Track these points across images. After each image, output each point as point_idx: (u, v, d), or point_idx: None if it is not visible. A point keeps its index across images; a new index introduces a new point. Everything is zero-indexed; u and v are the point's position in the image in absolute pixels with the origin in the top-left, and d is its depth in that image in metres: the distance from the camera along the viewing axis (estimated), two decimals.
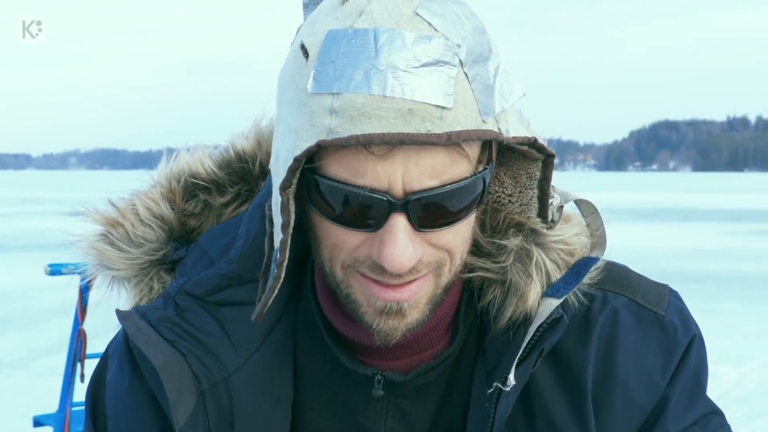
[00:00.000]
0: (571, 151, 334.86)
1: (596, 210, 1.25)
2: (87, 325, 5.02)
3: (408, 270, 1.05)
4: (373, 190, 1.01)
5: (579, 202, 1.24)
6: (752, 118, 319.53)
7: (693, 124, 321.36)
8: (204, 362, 1.19)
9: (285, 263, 1.06)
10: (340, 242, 1.08)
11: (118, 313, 1.22)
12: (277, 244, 1.06)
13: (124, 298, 1.30)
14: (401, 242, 1.03)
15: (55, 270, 4.97)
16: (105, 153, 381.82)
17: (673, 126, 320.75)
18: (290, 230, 1.05)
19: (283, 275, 1.07)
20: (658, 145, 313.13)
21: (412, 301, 1.09)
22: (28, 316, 11.59)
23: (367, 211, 1.03)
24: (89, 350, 5.14)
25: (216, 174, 1.32)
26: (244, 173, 1.33)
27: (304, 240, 1.15)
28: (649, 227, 28.20)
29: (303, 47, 1.02)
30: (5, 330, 10.86)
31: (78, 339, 5.08)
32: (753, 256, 19.15)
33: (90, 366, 4.84)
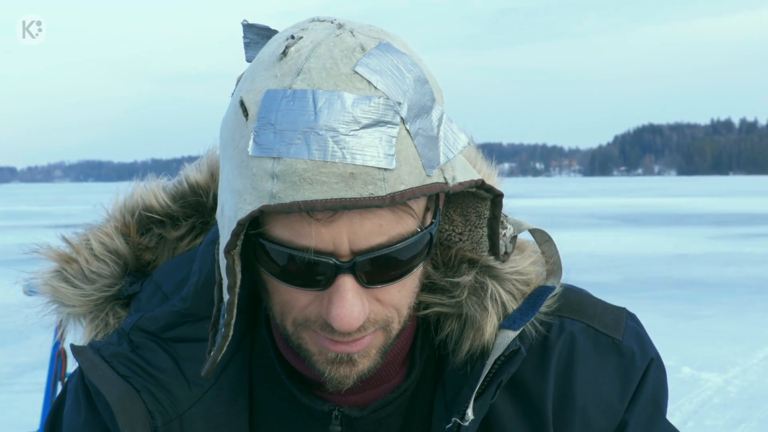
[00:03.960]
0: (556, 157, 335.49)
1: (550, 238, 1.25)
2: (68, 341, 5.01)
3: (356, 328, 1.05)
4: (318, 253, 1.01)
5: (533, 232, 1.25)
6: (736, 121, 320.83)
7: (677, 128, 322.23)
8: (158, 398, 1.19)
9: (233, 322, 1.06)
10: (291, 300, 1.08)
11: (73, 348, 1.22)
12: (225, 300, 1.06)
13: (81, 334, 1.30)
14: (349, 302, 1.03)
15: (33, 290, 4.96)
16: (90, 165, 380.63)
17: (658, 130, 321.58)
18: (237, 290, 1.04)
19: (231, 333, 1.06)
20: (642, 150, 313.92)
21: (363, 352, 1.10)
22: (11, 332, 11.50)
23: (314, 272, 1.03)
24: (70, 369, 5.13)
25: (170, 207, 1.32)
26: (198, 206, 1.33)
27: (255, 277, 1.15)
28: (633, 232, 28.24)
29: (242, 104, 1.01)
30: None
31: (58, 358, 5.07)
32: (737, 260, 19.18)
33: None
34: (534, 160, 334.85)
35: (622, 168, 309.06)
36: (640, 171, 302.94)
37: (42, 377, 7.60)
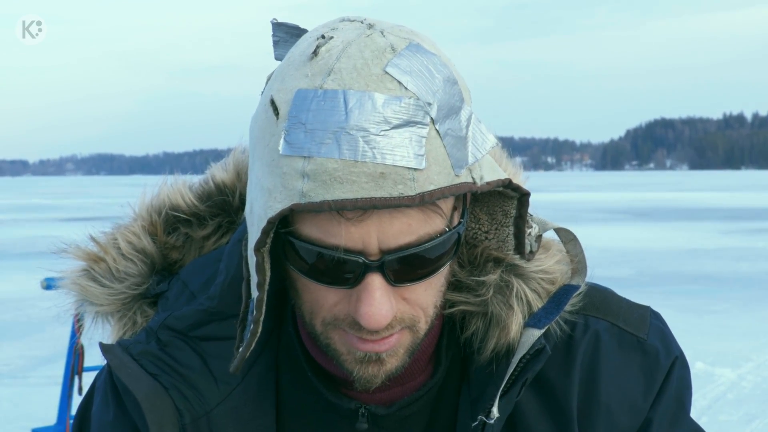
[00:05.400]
0: (568, 151, 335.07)
1: (575, 237, 1.26)
2: (84, 336, 5.02)
3: (384, 326, 1.06)
4: (347, 251, 1.02)
5: (558, 231, 1.25)
6: (748, 116, 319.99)
7: (689, 122, 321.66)
8: (186, 396, 1.19)
9: (262, 318, 1.06)
10: (320, 298, 1.09)
11: (102, 346, 1.23)
12: (254, 297, 1.06)
13: (109, 333, 1.31)
14: (377, 300, 1.03)
15: (51, 285, 4.98)
16: (102, 158, 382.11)
17: (670, 124, 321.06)
18: (266, 287, 1.05)
19: (260, 330, 1.07)
20: (654, 144, 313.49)
21: (391, 351, 1.10)
22: (26, 324, 11.57)
23: (343, 270, 1.04)
24: (87, 363, 5.16)
25: (196, 206, 1.33)
26: (224, 205, 1.33)
27: (283, 274, 1.15)
28: (645, 227, 28.20)
29: (273, 103, 1.02)
30: (2, 339, 10.85)
31: (75, 353, 5.10)
32: (749, 255, 19.12)
33: (88, 379, 4.86)
34: (545, 154, 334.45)
35: (634, 162, 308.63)
36: (651, 165, 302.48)
37: (56, 370, 7.64)
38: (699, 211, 36.36)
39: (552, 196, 55.19)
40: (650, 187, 76.39)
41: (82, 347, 5.05)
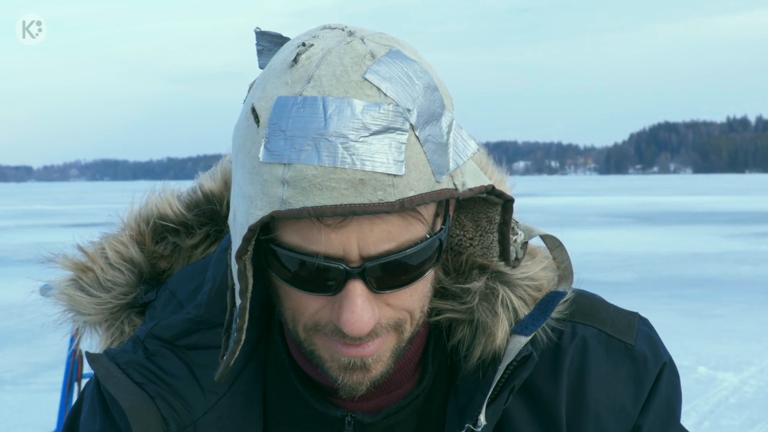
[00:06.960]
0: (572, 155, 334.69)
1: (561, 244, 1.26)
2: (83, 343, 5.02)
3: (367, 333, 1.05)
4: (328, 258, 1.02)
5: (544, 237, 1.25)
6: (752, 119, 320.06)
7: (693, 126, 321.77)
8: (172, 405, 1.19)
9: (245, 326, 1.07)
10: (302, 305, 1.09)
11: (88, 356, 1.23)
12: (237, 305, 1.07)
13: (97, 342, 1.31)
14: (359, 307, 1.04)
15: (49, 292, 4.97)
16: (105, 164, 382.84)
17: (673, 128, 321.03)
18: (249, 295, 1.05)
19: (243, 338, 1.07)
20: (658, 148, 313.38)
21: (375, 356, 1.10)
22: (28, 331, 11.55)
23: (325, 278, 1.04)
24: (86, 370, 5.16)
25: (184, 215, 1.33)
26: (212, 214, 1.34)
27: (267, 283, 1.15)
28: (648, 231, 28.14)
29: (254, 111, 1.02)
30: (4, 346, 10.85)
31: (74, 359, 5.10)
32: (752, 259, 19.06)
33: None
34: (549, 158, 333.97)
35: (638, 166, 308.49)
36: (655, 169, 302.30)
37: (58, 377, 7.64)
38: (702, 215, 36.29)
39: (556, 200, 55.14)
40: (654, 191, 76.28)
41: (81, 354, 5.05)
